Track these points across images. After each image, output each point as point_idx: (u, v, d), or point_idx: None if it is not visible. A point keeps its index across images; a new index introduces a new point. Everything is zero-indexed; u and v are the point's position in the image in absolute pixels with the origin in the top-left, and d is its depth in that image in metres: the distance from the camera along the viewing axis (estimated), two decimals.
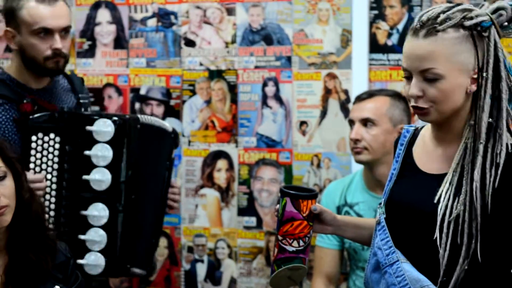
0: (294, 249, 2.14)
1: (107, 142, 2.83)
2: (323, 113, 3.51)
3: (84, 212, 2.83)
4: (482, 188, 1.97)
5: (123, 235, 2.86)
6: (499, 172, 1.97)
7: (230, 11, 3.62)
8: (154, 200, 3.04)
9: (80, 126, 2.86)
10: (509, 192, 1.98)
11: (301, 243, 2.14)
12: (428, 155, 2.12)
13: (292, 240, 2.14)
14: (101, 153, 2.83)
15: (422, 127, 2.20)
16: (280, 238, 2.15)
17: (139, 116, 2.97)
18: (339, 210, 3.16)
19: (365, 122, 3.03)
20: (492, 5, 2.02)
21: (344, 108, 3.46)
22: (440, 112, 2.02)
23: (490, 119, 2.00)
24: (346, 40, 3.46)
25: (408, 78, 2.04)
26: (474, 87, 2.01)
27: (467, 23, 1.97)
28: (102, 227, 2.83)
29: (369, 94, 3.10)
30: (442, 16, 1.98)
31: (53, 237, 2.46)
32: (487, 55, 1.99)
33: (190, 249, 3.71)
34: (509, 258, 2.04)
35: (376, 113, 3.03)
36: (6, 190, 2.34)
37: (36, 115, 2.88)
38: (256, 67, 3.59)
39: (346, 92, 3.47)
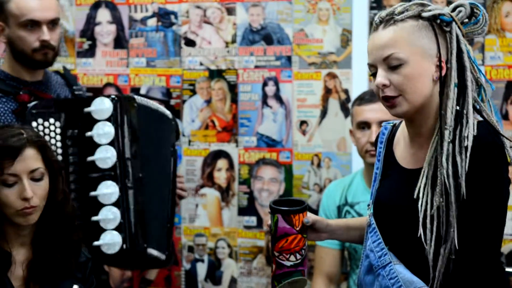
0: (292, 263, 2.14)
1: (107, 120, 2.84)
2: (323, 113, 3.51)
3: (94, 193, 2.82)
4: (455, 174, 1.97)
5: (136, 213, 2.84)
6: (468, 155, 1.97)
7: (230, 11, 3.62)
8: (162, 183, 3.03)
9: (78, 108, 2.87)
10: (479, 176, 1.98)
11: (298, 256, 2.14)
12: (407, 151, 2.13)
13: (288, 255, 2.13)
14: (102, 130, 2.83)
15: (400, 123, 2.21)
16: (276, 254, 2.15)
17: (134, 95, 2.99)
18: (339, 209, 3.16)
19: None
20: (451, 4, 2.09)
21: (345, 107, 3.46)
22: (410, 101, 2.03)
23: (457, 107, 2.02)
24: (346, 39, 3.46)
25: (374, 74, 2.07)
26: (438, 74, 2.03)
27: (425, 14, 2.04)
28: (114, 204, 2.82)
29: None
30: (399, 9, 2.05)
31: (80, 240, 2.48)
32: (450, 47, 2.03)
33: (191, 249, 3.71)
34: (490, 245, 2.03)
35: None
36: (39, 190, 2.37)
37: (33, 103, 2.89)
38: (256, 66, 3.59)
39: (346, 91, 3.47)
